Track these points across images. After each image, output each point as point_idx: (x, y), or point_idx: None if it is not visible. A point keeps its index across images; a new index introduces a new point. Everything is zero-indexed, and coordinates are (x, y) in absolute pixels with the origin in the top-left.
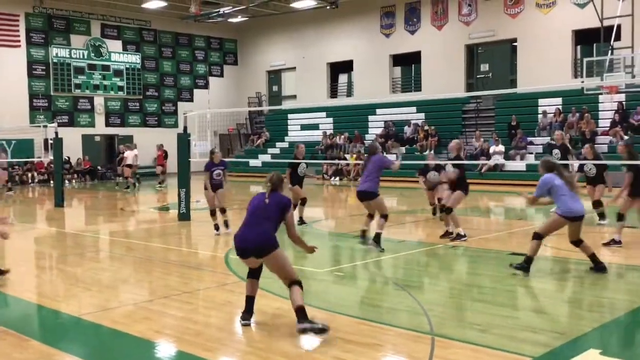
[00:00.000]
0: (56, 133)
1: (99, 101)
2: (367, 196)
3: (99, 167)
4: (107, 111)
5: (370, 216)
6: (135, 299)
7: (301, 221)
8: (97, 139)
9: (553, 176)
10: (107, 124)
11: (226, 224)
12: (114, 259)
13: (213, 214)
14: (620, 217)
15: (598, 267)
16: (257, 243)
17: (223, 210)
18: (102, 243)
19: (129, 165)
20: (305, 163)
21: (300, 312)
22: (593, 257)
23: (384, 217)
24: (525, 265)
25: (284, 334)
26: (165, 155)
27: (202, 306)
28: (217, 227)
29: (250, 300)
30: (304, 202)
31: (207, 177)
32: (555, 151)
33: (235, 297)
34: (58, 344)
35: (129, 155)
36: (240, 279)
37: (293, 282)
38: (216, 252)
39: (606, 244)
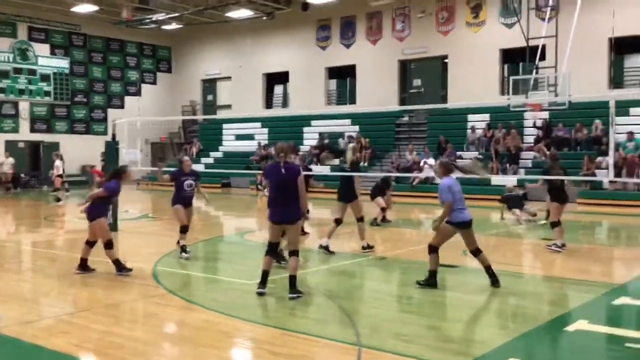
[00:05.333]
0: None
1: (24, 106)
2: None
3: (22, 175)
4: (32, 117)
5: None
6: (56, 312)
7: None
8: (21, 145)
9: (453, 180)
10: (32, 130)
11: (184, 249)
12: (36, 270)
13: (184, 230)
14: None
15: (492, 280)
16: (290, 217)
17: (185, 229)
18: (24, 254)
19: (60, 175)
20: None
21: (292, 281)
22: (488, 269)
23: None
24: (431, 280)
25: (209, 347)
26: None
27: (127, 319)
28: (185, 249)
29: (266, 274)
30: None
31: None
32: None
33: (161, 309)
34: None
35: (60, 164)
36: (167, 292)
37: (294, 251)
38: (144, 263)
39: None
